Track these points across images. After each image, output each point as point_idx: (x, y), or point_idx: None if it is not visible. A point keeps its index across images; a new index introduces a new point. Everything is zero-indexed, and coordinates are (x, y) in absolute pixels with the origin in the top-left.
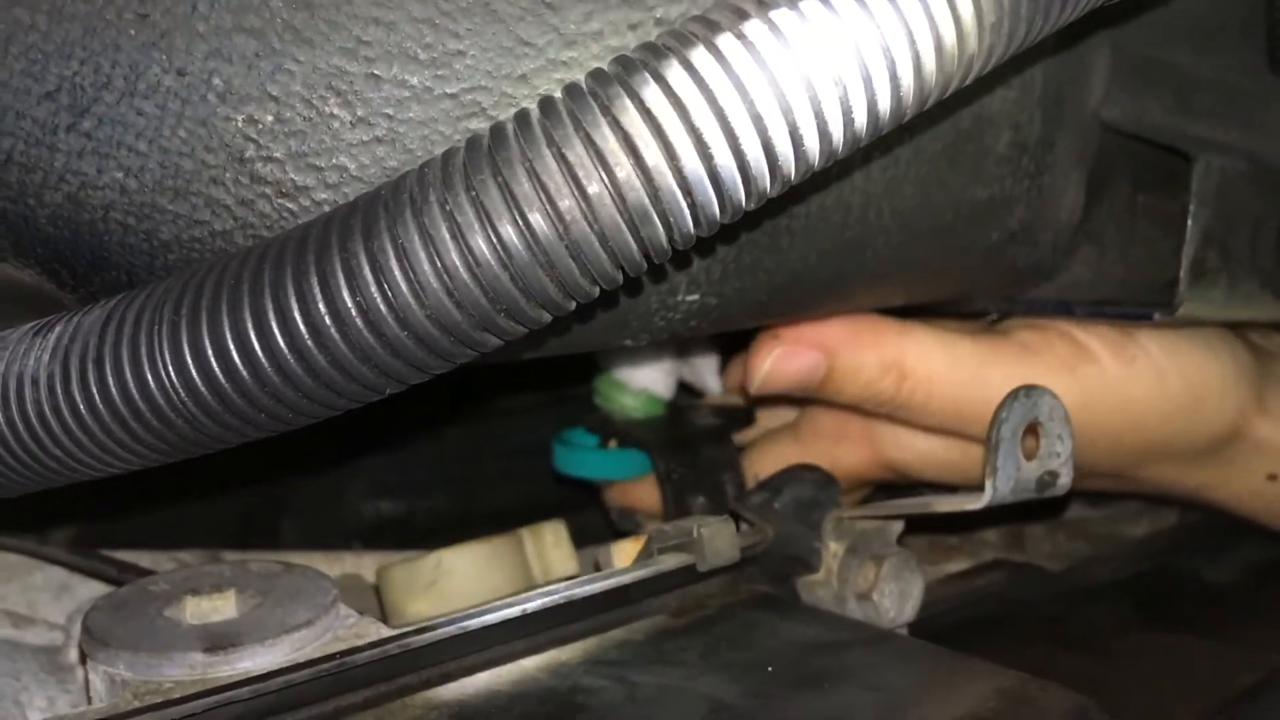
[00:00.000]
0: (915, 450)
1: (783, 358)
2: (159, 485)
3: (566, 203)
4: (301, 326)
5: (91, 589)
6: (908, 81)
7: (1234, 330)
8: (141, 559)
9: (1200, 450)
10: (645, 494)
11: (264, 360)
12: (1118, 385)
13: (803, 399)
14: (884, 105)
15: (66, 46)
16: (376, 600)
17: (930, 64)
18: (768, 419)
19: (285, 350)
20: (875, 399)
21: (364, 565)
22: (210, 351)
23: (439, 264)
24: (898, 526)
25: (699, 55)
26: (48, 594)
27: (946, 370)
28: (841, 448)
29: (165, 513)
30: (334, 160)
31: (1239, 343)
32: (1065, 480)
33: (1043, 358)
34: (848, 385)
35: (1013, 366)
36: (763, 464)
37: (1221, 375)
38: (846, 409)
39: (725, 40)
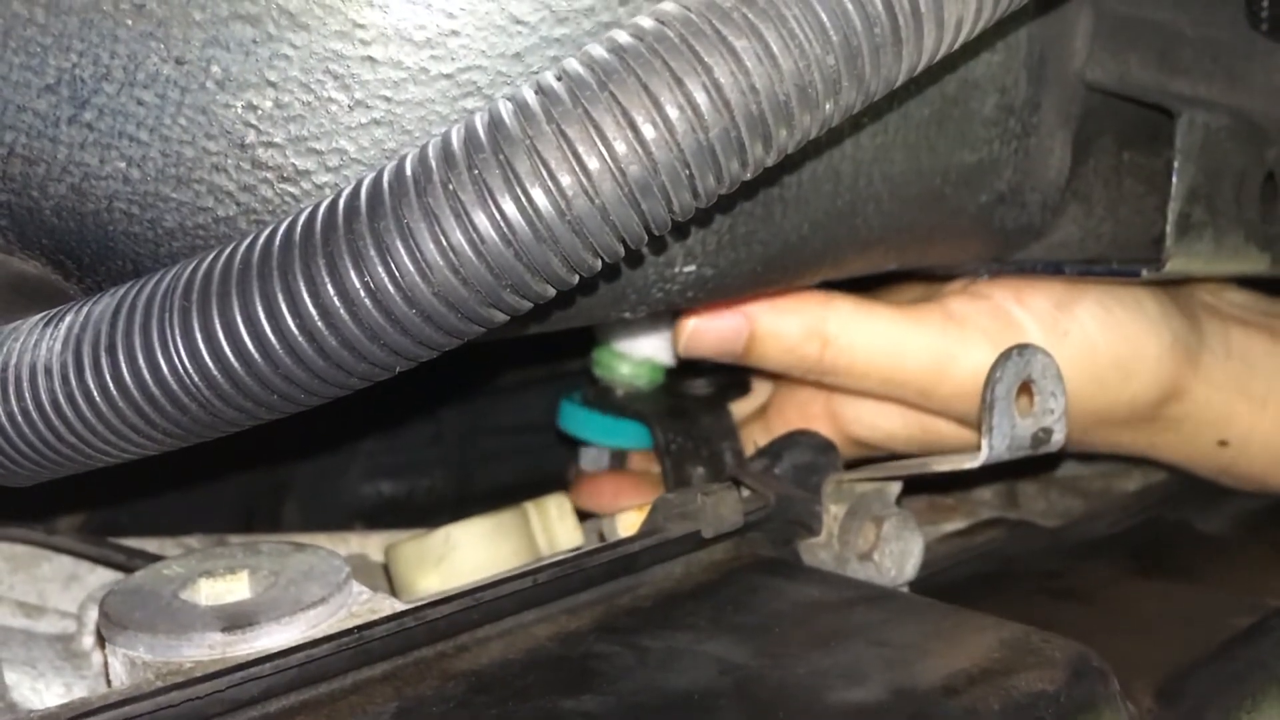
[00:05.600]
0: (877, 426)
1: (705, 320)
2: (162, 473)
3: (567, 179)
4: (311, 308)
5: (100, 577)
6: (897, 48)
7: (1176, 295)
8: (148, 545)
9: (1138, 415)
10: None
11: (275, 342)
12: None
13: (741, 369)
14: (874, 73)
15: (65, 39)
16: (385, 578)
17: (919, 28)
18: (736, 408)
19: (295, 332)
20: (800, 364)
21: (369, 545)
22: (222, 335)
23: (444, 242)
24: (896, 488)
25: (692, 30)
26: (57, 584)
27: (867, 338)
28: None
29: (169, 500)
30: (334, 143)
31: (1174, 309)
32: (1059, 436)
33: (965, 329)
34: (771, 350)
35: (933, 336)
36: None
37: (1158, 342)
38: (808, 390)
39: (717, 15)
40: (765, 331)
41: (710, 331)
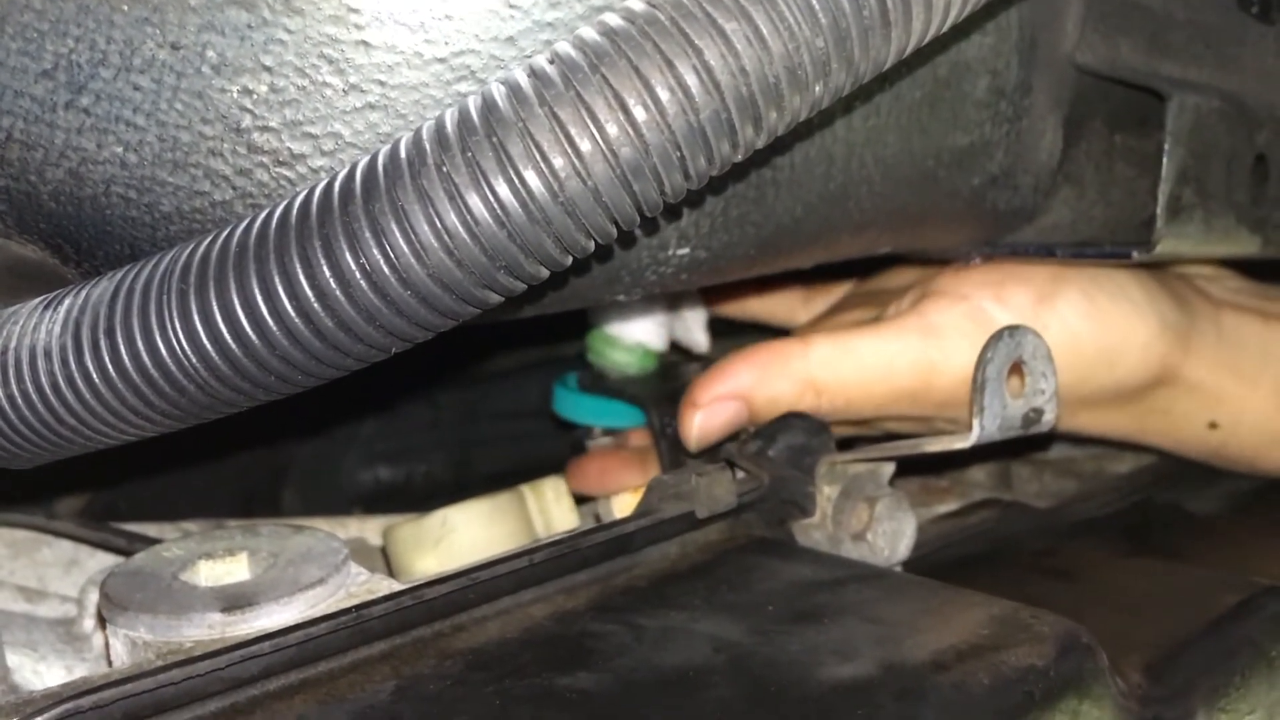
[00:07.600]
0: None
1: (705, 419)
2: (162, 459)
3: (559, 160)
4: (307, 290)
5: (100, 562)
6: (886, 30)
7: (1164, 280)
8: (147, 531)
9: (1125, 399)
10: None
11: (271, 324)
12: None
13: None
14: (863, 55)
15: (61, 24)
16: (383, 561)
17: (908, 11)
18: None
19: (292, 313)
20: None
21: (368, 529)
22: (219, 317)
23: (438, 224)
24: (889, 469)
25: (682, 12)
26: (57, 569)
27: (855, 373)
28: None
29: (169, 485)
30: (329, 128)
31: (1162, 293)
32: (1050, 417)
33: (944, 337)
34: (774, 413)
35: (915, 350)
36: None
37: (1144, 328)
38: None
39: None
40: (762, 403)
41: (715, 424)
